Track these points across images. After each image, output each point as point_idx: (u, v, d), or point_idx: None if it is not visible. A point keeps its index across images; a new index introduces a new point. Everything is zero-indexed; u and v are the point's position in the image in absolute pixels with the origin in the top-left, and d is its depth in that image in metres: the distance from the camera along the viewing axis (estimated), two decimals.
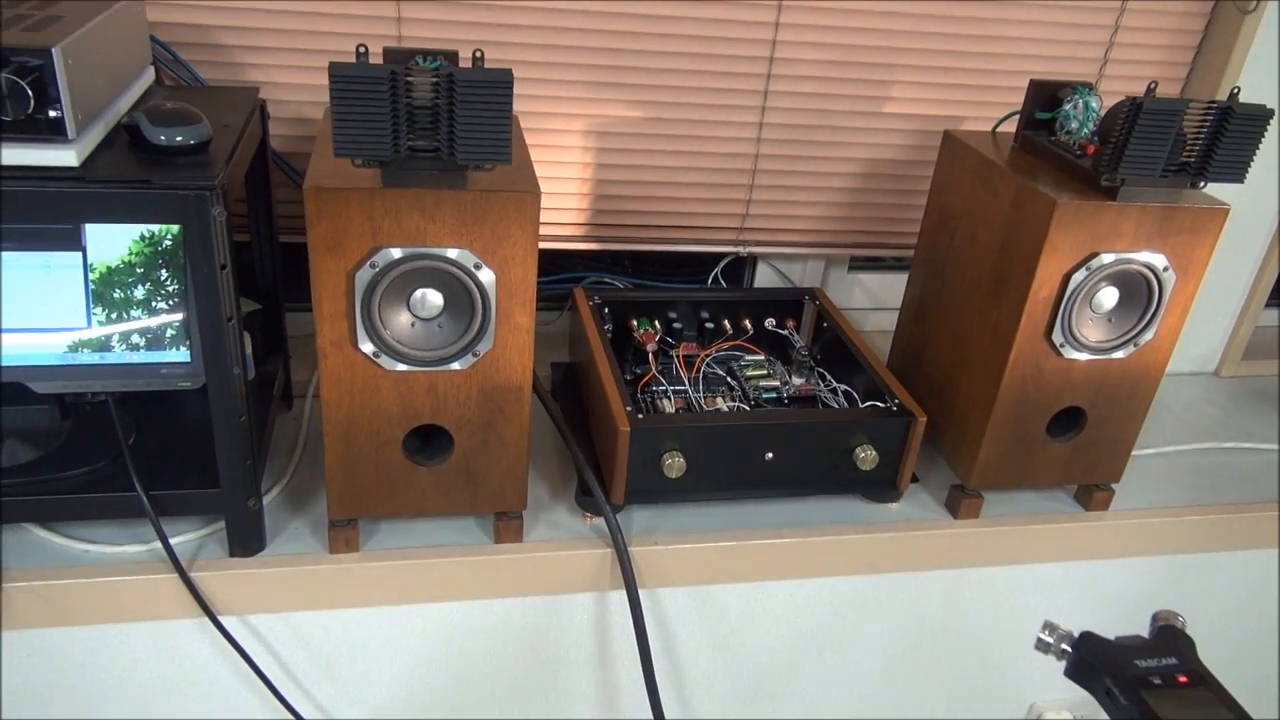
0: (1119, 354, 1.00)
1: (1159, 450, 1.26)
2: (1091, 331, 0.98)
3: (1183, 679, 0.48)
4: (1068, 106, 1.02)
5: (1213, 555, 1.21)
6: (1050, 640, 0.52)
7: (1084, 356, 0.99)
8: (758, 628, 1.11)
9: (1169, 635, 0.50)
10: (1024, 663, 1.25)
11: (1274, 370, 1.49)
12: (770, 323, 1.22)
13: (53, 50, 0.68)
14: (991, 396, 1.00)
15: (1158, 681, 0.48)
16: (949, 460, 1.10)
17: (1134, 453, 1.21)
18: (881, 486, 1.05)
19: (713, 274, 1.35)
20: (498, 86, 0.72)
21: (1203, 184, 0.93)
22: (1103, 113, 0.99)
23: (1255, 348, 1.49)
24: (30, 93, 0.68)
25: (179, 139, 0.78)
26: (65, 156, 0.72)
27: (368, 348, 0.83)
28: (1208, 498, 1.18)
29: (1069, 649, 0.51)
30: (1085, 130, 1.01)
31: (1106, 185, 0.92)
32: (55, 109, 0.70)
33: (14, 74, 0.68)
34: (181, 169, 0.76)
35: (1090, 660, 0.50)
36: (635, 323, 1.17)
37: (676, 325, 1.21)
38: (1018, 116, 1.07)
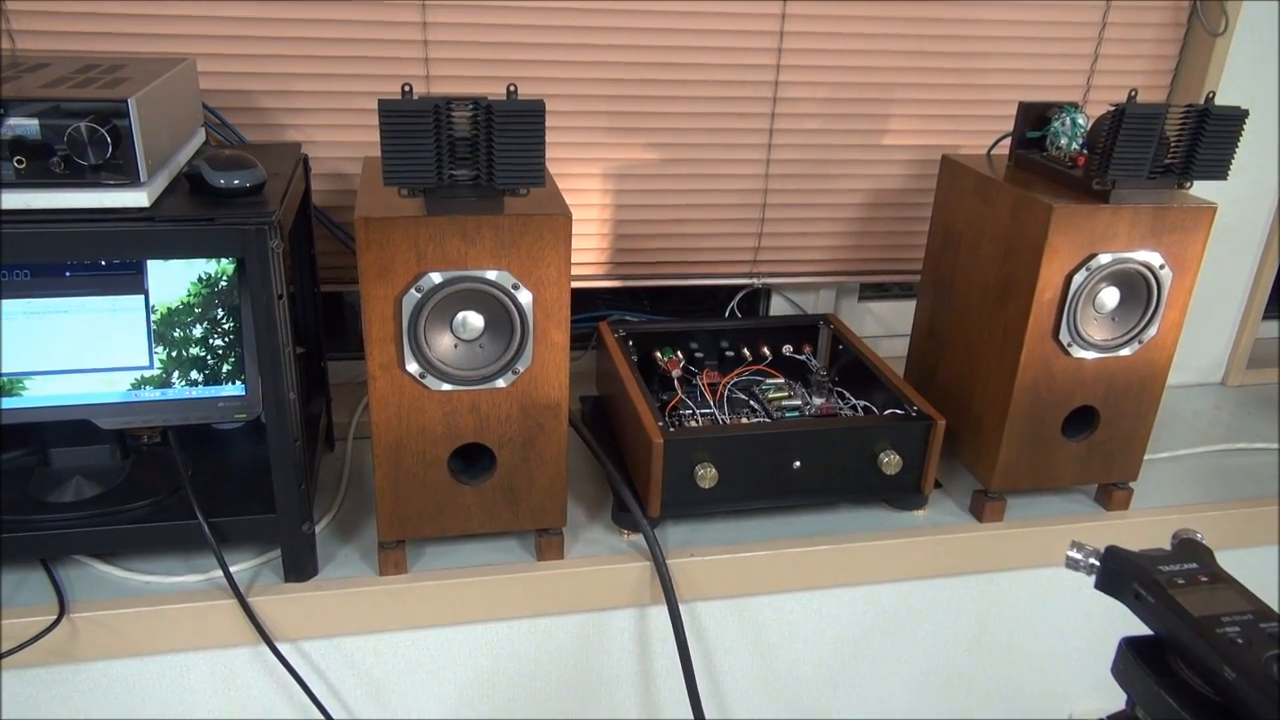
0: (1125, 351, 1.04)
1: (1174, 453, 1.29)
2: (1097, 330, 1.03)
3: (1203, 579, 0.52)
4: (1056, 124, 1.09)
5: (1235, 551, 1.23)
6: (1079, 557, 0.56)
7: (1091, 355, 1.03)
8: (795, 641, 1.14)
9: (1188, 546, 0.54)
10: (1062, 669, 1.26)
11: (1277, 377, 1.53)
12: (788, 349, 1.27)
13: (128, 101, 0.75)
14: (1006, 399, 1.05)
15: (1181, 582, 0.51)
16: (970, 467, 1.13)
17: (1149, 457, 1.24)
18: (906, 493, 1.09)
19: (729, 307, 1.40)
20: (531, 114, 0.79)
21: (1189, 184, 0.99)
22: (1089, 128, 1.05)
23: (1260, 357, 1.53)
24: (109, 140, 0.75)
25: (237, 182, 0.85)
26: (138, 198, 0.78)
27: (414, 368, 0.88)
28: (1226, 495, 1.21)
29: (1097, 562, 0.55)
30: (1074, 145, 1.08)
31: (1098, 189, 0.98)
32: (130, 155, 0.77)
33: (93, 124, 0.74)
34: (240, 208, 0.83)
35: (1117, 569, 0.54)
36: (659, 353, 1.22)
37: (698, 355, 1.26)
38: (1009, 139, 1.14)
